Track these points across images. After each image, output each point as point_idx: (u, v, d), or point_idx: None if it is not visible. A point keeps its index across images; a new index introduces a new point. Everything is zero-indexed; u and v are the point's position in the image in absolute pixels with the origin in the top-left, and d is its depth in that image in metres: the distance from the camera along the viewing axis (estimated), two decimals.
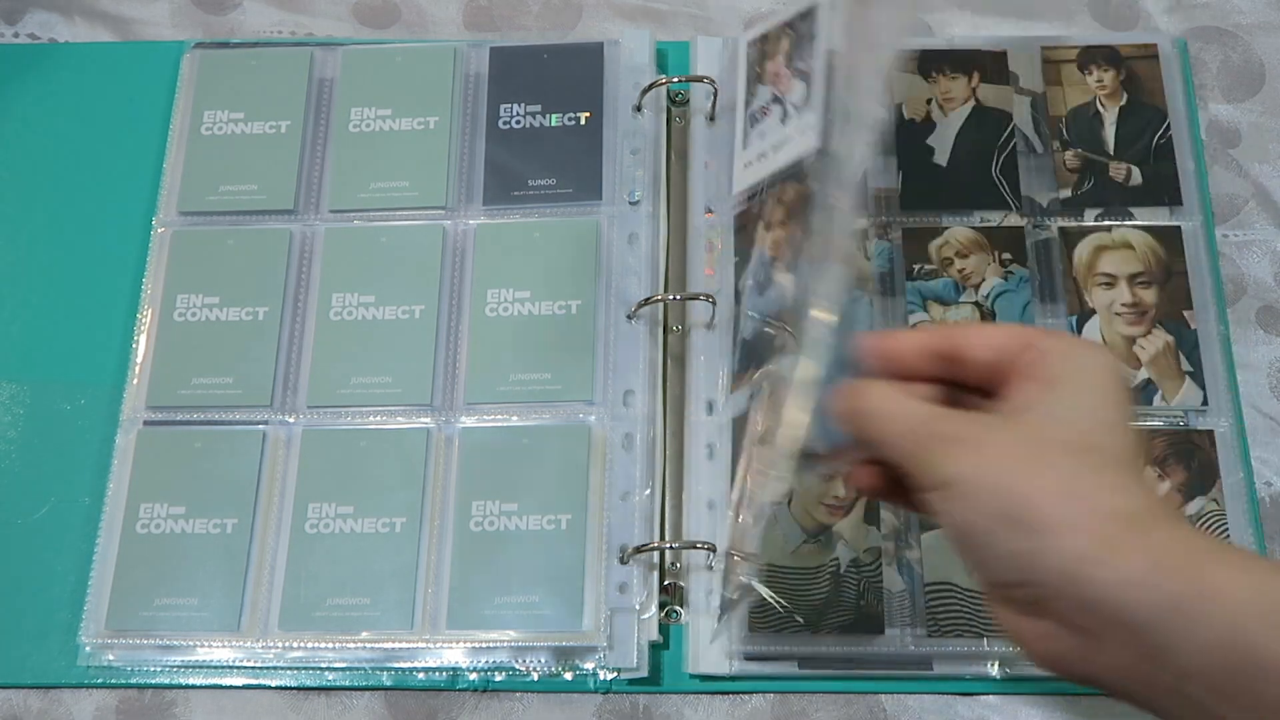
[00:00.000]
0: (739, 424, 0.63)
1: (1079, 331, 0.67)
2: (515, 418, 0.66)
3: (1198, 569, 0.35)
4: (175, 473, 0.66)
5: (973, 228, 0.70)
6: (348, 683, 0.63)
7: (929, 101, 0.73)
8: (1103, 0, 0.78)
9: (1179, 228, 0.69)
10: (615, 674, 0.62)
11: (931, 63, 0.74)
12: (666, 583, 0.63)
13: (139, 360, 0.68)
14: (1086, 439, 0.38)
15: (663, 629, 0.63)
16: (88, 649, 0.63)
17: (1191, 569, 0.35)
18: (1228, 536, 0.63)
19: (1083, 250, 0.69)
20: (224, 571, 0.63)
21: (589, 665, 0.62)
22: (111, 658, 0.63)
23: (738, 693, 0.62)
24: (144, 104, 0.76)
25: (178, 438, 0.67)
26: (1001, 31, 0.78)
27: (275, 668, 0.63)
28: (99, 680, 0.63)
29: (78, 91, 0.77)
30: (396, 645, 0.62)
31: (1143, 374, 0.66)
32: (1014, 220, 0.70)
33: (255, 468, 0.66)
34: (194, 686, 0.63)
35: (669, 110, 0.74)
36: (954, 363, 0.43)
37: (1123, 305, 0.68)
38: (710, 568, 0.63)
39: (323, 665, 0.63)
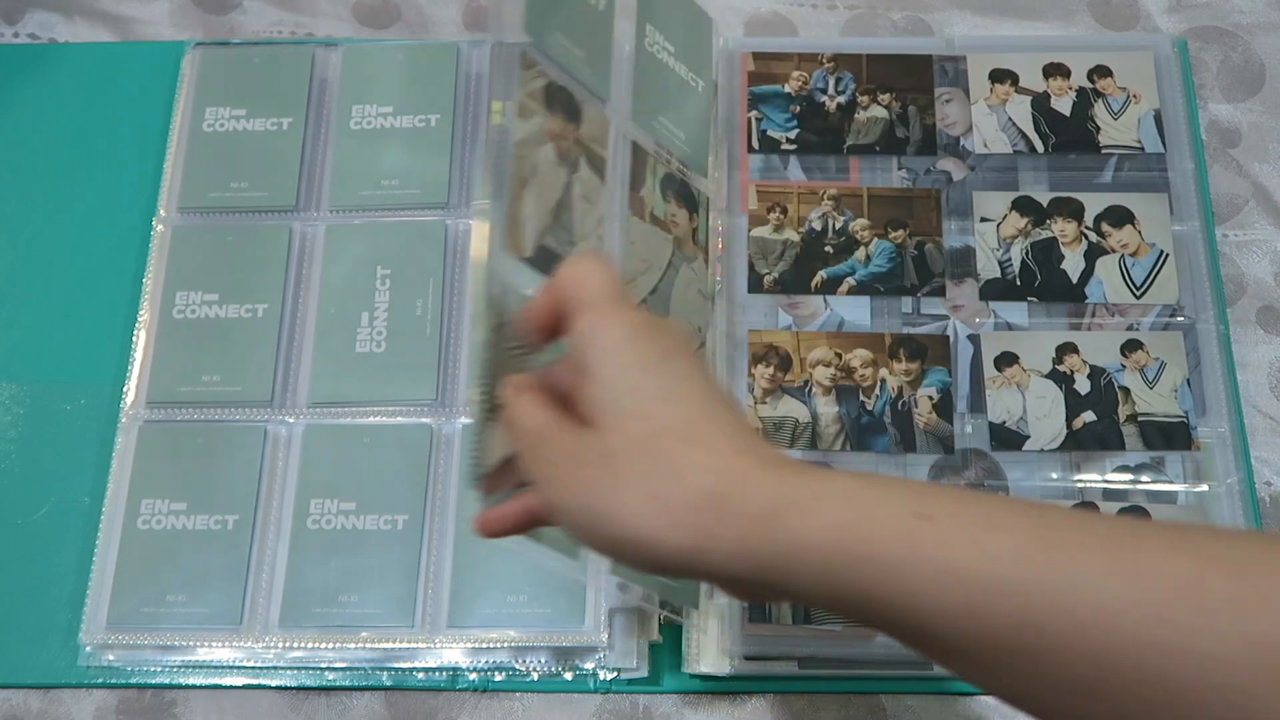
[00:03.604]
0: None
1: None
2: None
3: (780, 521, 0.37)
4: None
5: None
6: (348, 683, 0.63)
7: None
8: (1103, 0, 0.78)
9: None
10: (615, 674, 0.62)
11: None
12: None
13: (139, 358, 0.68)
14: (622, 442, 0.39)
15: (663, 629, 0.63)
16: (88, 649, 0.63)
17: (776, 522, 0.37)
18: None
19: None
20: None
21: (589, 665, 0.62)
22: (111, 658, 0.63)
23: (737, 693, 0.62)
24: (144, 103, 0.76)
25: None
26: (1001, 31, 0.78)
27: (275, 668, 0.63)
28: (99, 680, 0.63)
29: (78, 91, 0.77)
30: (396, 645, 0.62)
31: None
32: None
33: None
34: (194, 686, 0.63)
35: None
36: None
37: None
38: None
39: (323, 665, 0.63)
